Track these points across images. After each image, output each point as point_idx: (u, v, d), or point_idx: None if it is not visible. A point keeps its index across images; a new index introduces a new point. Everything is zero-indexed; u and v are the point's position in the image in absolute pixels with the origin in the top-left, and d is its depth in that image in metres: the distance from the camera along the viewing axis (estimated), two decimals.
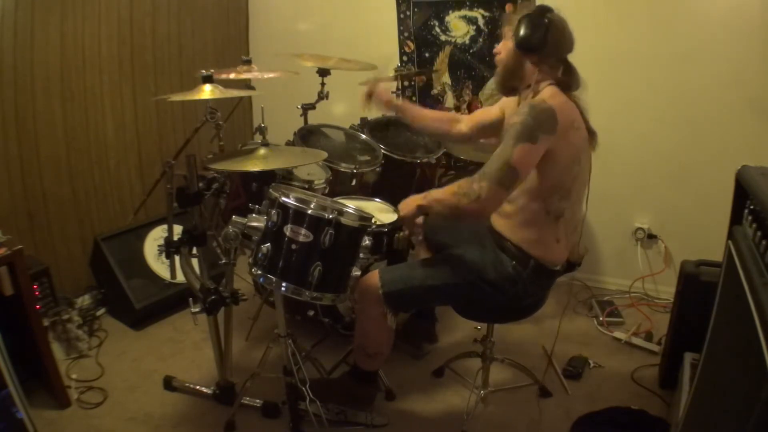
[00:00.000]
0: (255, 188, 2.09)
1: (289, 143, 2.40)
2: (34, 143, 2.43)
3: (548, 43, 1.59)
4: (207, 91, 1.74)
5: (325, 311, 2.23)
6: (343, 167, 2.30)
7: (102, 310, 2.68)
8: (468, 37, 3.10)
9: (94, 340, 2.46)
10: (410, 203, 1.69)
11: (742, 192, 1.39)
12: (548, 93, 1.61)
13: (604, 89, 2.82)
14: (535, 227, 1.66)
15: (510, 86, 1.75)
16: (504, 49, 1.70)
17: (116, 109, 2.80)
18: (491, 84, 3.10)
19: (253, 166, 1.71)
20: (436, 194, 1.64)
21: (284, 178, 2.16)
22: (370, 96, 2.13)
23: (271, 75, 2.24)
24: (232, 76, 2.21)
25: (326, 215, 1.58)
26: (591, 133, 1.69)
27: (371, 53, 3.02)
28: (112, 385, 2.16)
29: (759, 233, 1.15)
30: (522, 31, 1.59)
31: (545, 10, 1.61)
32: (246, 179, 2.09)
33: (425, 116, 2.14)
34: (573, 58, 1.68)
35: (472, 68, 3.13)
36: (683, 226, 2.86)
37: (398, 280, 1.76)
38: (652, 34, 2.69)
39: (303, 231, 1.56)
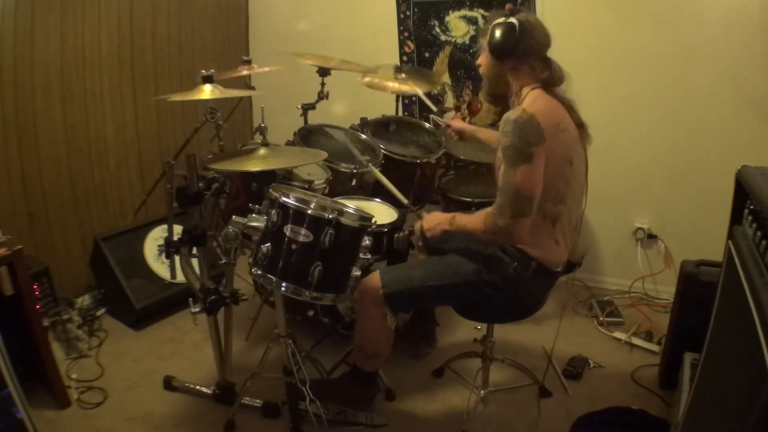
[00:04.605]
0: (255, 188, 2.08)
1: (289, 143, 2.39)
2: (34, 143, 2.43)
3: (522, 45, 1.59)
4: (207, 91, 1.74)
5: (325, 311, 2.23)
6: (343, 167, 2.30)
7: (102, 310, 2.68)
8: (468, 37, 3.10)
9: (94, 340, 2.46)
10: (436, 226, 1.77)
11: (742, 192, 1.39)
12: (528, 100, 1.61)
13: (604, 89, 2.83)
14: (533, 231, 1.65)
15: (497, 96, 1.76)
16: (484, 60, 1.71)
17: (116, 109, 2.80)
18: None
19: (253, 166, 1.71)
20: (465, 223, 1.69)
21: (284, 178, 2.16)
22: (460, 135, 2.25)
23: (266, 69, 2.25)
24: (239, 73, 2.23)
25: (326, 215, 1.57)
26: (581, 126, 1.69)
27: (371, 53, 3.02)
28: (112, 385, 2.16)
29: (759, 233, 1.15)
30: (494, 39, 1.60)
31: (513, 12, 1.61)
32: (246, 179, 2.09)
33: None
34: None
35: (472, 68, 3.13)
36: (683, 226, 2.86)
37: (398, 281, 1.76)
38: (652, 34, 2.69)
39: (303, 231, 1.56)
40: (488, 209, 1.60)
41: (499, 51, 1.62)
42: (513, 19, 1.58)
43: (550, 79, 1.64)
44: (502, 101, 1.77)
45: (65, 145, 2.57)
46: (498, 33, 1.60)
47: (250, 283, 2.63)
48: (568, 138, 1.61)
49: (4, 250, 1.76)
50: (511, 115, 1.55)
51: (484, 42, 1.69)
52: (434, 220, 1.80)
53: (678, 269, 2.12)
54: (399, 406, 2.10)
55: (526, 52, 1.61)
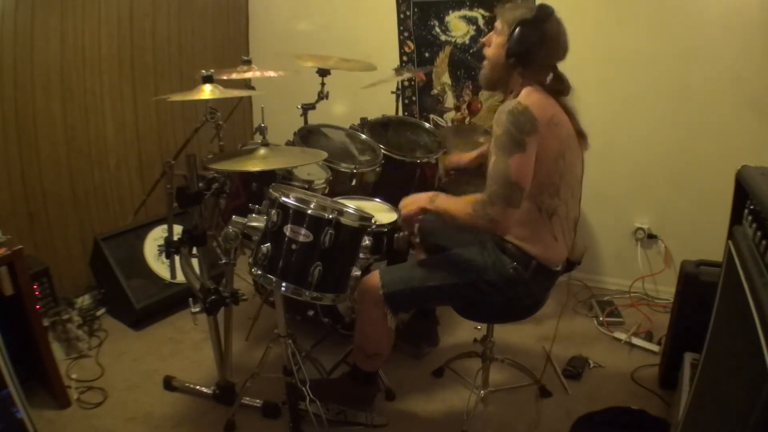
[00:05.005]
0: (255, 188, 2.08)
1: (289, 143, 2.39)
2: (34, 143, 2.43)
3: (541, 56, 1.58)
4: (207, 91, 1.74)
5: (325, 311, 2.23)
6: (343, 167, 2.30)
7: (102, 310, 2.68)
8: (468, 37, 3.10)
9: (94, 340, 2.46)
10: (413, 204, 1.72)
11: (742, 192, 1.39)
12: (524, 93, 1.60)
13: (604, 89, 2.82)
14: (530, 225, 1.66)
15: (495, 86, 1.76)
16: (494, 44, 1.67)
17: (116, 109, 2.80)
18: None
19: (253, 166, 1.71)
20: (447, 205, 1.65)
21: (284, 178, 2.16)
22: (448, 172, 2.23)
23: (272, 74, 2.24)
24: (234, 76, 2.21)
25: (326, 215, 1.58)
26: (581, 135, 1.69)
27: (371, 53, 3.02)
28: (112, 385, 2.16)
29: (759, 233, 1.15)
30: (515, 44, 1.58)
31: (543, 17, 1.57)
32: (246, 179, 2.09)
33: None
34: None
35: (472, 68, 3.13)
36: (683, 226, 2.86)
37: (398, 281, 1.76)
38: (652, 34, 2.69)
39: (303, 231, 1.56)
40: (476, 195, 1.58)
41: (515, 57, 1.59)
42: (543, 27, 1.55)
43: (557, 88, 1.64)
44: (499, 89, 1.77)
45: (65, 145, 2.57)
46: (522, 38, 1.56)
47: (250, 283, 2.63)
48: (562, 132, 1.61)
49: (4, 250, 1.76)
50: (505, 107, 1.56)
51: (499, 24, 1.64)
52: (411, 198, 1.76)
53: (678, 269, 2.12)
54: (399, 406, 2.10)
55: (540, 61, 1.60)
